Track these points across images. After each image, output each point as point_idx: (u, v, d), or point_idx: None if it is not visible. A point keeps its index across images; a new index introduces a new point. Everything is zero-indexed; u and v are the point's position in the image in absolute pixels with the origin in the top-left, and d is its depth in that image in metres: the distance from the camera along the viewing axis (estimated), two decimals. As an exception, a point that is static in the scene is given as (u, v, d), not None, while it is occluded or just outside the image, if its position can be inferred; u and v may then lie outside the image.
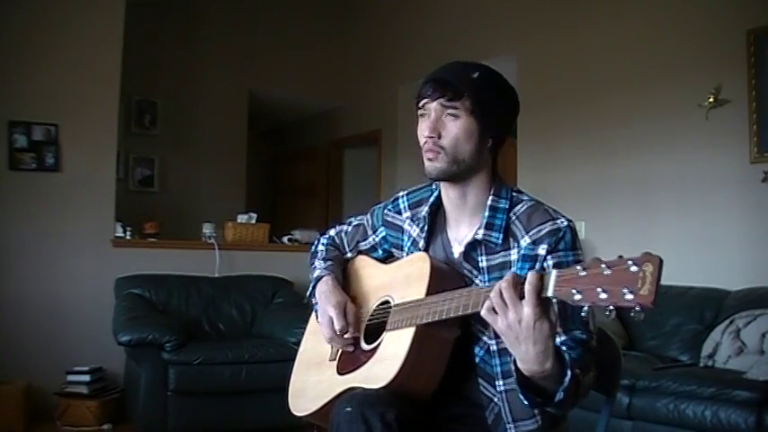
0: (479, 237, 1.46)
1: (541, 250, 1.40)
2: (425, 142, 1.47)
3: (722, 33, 3.95)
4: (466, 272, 1.48)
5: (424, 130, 1.47)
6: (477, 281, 1.47)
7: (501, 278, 1.41)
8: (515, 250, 1.44)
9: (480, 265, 1.47)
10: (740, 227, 3.83)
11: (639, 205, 4.33)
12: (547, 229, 1.41)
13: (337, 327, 1.56)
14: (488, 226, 1.46)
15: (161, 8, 5.95)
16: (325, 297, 1.64)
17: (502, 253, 1.45)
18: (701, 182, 4.01)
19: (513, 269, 1.42)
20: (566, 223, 1.43)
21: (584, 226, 4.41)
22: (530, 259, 1.41)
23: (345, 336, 1.58)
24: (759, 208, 3.76)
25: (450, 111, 1.45)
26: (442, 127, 1.46)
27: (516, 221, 1.46)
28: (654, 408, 3.03)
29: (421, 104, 1.49)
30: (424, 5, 6.15)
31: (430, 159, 1.47)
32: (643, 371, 3.22)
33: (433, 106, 1.46)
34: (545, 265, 1.39)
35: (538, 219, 1.44)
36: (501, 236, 1.45)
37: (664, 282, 3.60)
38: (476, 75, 1.47)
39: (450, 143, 1.45)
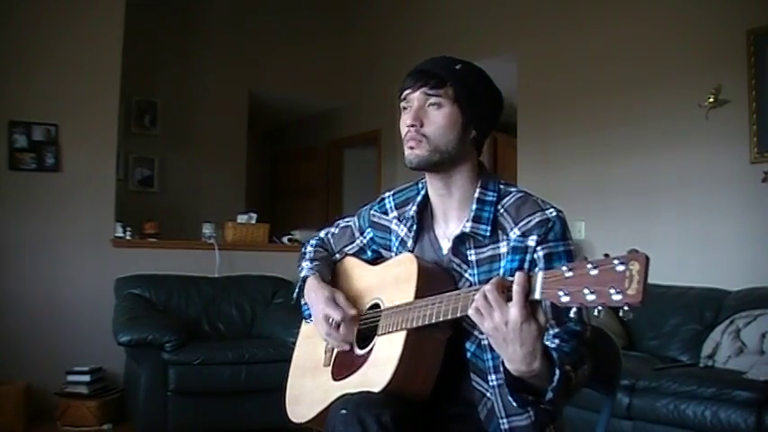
0: (467, 230, 1.45)
1: (531, 242, 1.40)
2: (407, 132, 1.46)
3: (722, 33, 3.94)
4: (455, 266, 1.48)
5: (406, 120, 1.47)
6: (466, 275, 1.46)
7: (490, 272, 1.41)
8: (504, 243, 1.43)
9: (469, 258, 1.46)
10: (740, 227, 3.83)
11: (639, 205, 4.33)
12: (536, 220, 1.41)
13: (337, 318, 1.55)
14: (476, 219, 1.45)
15: (161, 8, 5.95)
16: (314, 295, 1.63)
17: (491, 246, 1.44)
18: (701, 182, 4.01)
19: (503, 262, 1.42)
20: (555, 213, 1.42)
21: (584, 226, 4.41)
22: (520, 251, 1.40)
23: (343, 328, 1.55)
24: (759, 208, 3.76)
25: (433, 99, 1.45)
26: (424, 116, 1.45)
27: (504, 214, 1.45)
28: (654, 408, 3.03)
29: (403, 96, 1.48)
30: (424, 5, 6.15)
31: (411, 148, 1.46)
32: (643, 371, 3.22)
33: (415, 96, 1.46)
34: (536, 256, 1.39)
35: (527, 210, 1.43)
36: (489, 228, 1.44)
37: (664, 282, 3.63)
38: (459, 66, 1.47)
39: (432, 131, 1.45)
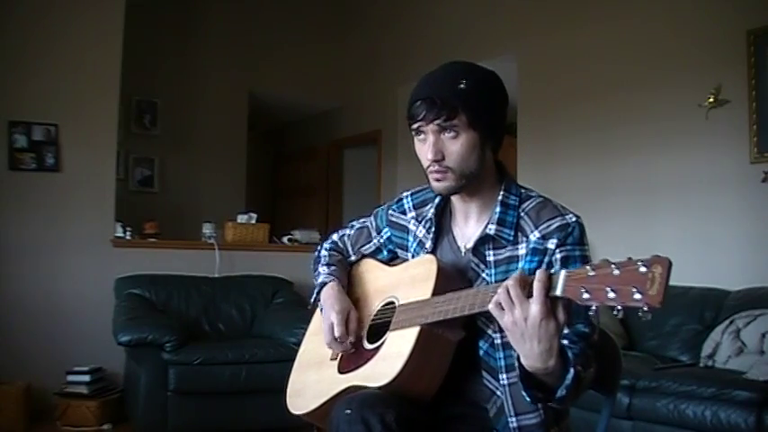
0: (491, 232, 1.46)
1: (551, 244, 1.41)
2: (430, 165, 1.45)
3: (722, 33, 3.95)
4: (473, 266, 1.48)
5: (426, 153, 1.45)
6: (483, 274, 1.47)
7: (507, 272, 1.42)
8: (524, 245, 1.44)
9: (488, 259, 1.47)
10: (740, 227, 3.83)
11: (640, 205, 4.33)
12: (556, 224, 1.42)
13: (337, 333, 1.57)
14: (500, 222, 1.46)
15: (161, 8, 5.95)
16: (329, 303, 1.63)
17: (510, 248, 1.46)
18: (701, 182, 4.01)
19: (521, 263, 1.43)
20: (574, 219, 1.44)
21: (585, 226, 4.41)
22: (539, 253, 1.42)
23: (344, 343, 1.58)
24: (759, 208, 3.76)
25: (448, 131, 1.43)
26: (443, 148, 1.43)
27: (525, 217, 1.47)
28: (654, 408, 3.03)
29: (415, 127, 1.46)
30: (424, 6, 6.15)
31: (438, 180, 1.46)
32: (643, 371, 3.22)
33: (429, 128, 1.43)
34: (553, 259, 1.40)
35: (547, 214, 1.45)
36: (512, 233, 1.46)
37: (664, 282, 3.47)
38: (463, 84, 1.42)
39: (455, 163, 1.43)
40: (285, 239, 5.38)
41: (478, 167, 1.47)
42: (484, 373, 1.45)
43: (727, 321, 3.39)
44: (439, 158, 1.43)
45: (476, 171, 1.46)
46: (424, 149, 1.45)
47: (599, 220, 4.44)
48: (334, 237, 1.85)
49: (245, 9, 6.48)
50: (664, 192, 4.21)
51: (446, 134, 1.43)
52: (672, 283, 3.84)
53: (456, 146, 1.43)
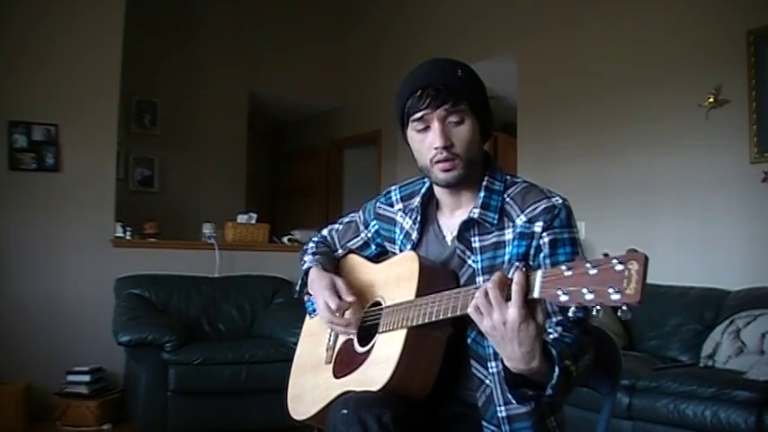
0: (475, 216, 1.45)
1: (537, 228, 1.40)
2: (437, 153, 1.43)
3: (722, 33, 3.95)
4: (459, 252, 1.48)
5: (434, 142, 1.43)
6: (469, 261, 1.46)
7: (494, 258, 1.41)
8: (510, 230, 1.44)
9: (473, 245, 1.46)
10: (740, 227, 3.83)
11: (639, 205, 4.33)
12: (542, 207, 1.41)
13: (333, 306, 1.56)
14: (484, 206, 1.46)
15: (161, 8, 5.95)
16: (316, 284, 1.63)
17: (496, 233, 1.45)
18: (701, 182, 4.01)
19: (509, 248, 1.42)
20: (560, 201, 1.43)
21: (584, 226, 4.41)
22: (526, 237, 1.41)
23: (346, 314, 1.56)
24: (759, 208, 3.76)
25: (453, 117, 1.43)
26: (450, 134, 1.43)
27: (510, 201, 1.46)
28: (654, 408, 3.03)
29: (419, 116, 1.44)
30: (424, 5, 6.15)
31: (447, 170, 1.44)
32: (643, 371, 3.22)
33: (435, 115, 1.43)
34: (541, 242, 1.39)
35: (533, 197, 1.44)
36: (496, 216, 1.45)
37: (664, 282, 3.62)
38: (460, 72, 1.45)
39: (463, 149, 1.44)
40: (285, 239, 5.38)
41: (478, 155, 1.48)
42: (472, 362, 1.44)
43: (727, 321, 3.39)
44: (448, 144, 1.43)
45: (477, 159, 1.47)
46: (429, 139, 1.44)
47: (599, 220, 4.44)
48: (324, 231, 1.86)
49: (245, 9, 6.48)
50: (664, 192, 4.21)
51: (451, 121, 1.43)
52: (672, 282, 3.85)
53: (463, 132, 1.44)
